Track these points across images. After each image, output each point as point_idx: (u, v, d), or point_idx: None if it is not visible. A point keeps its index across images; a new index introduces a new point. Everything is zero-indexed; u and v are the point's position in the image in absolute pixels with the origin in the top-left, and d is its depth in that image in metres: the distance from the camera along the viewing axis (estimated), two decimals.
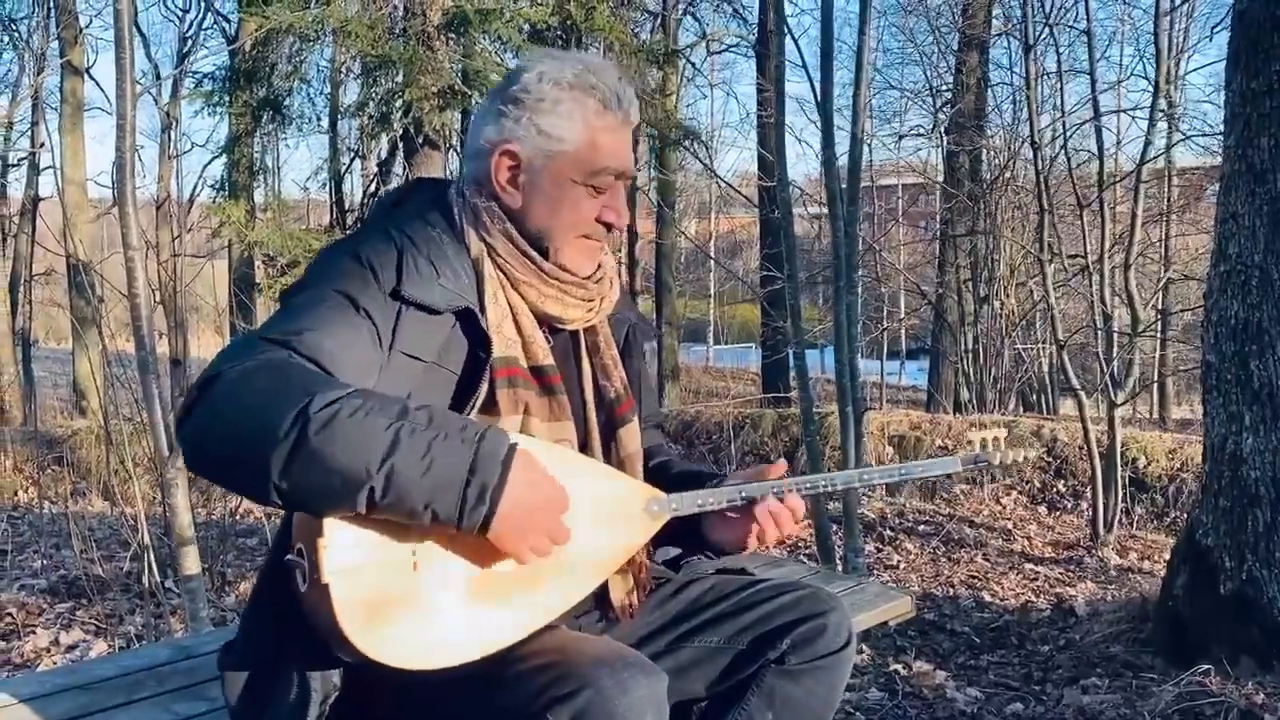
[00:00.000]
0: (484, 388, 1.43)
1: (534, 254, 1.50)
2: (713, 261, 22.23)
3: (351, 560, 1.23)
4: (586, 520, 1.41)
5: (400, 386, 1.38)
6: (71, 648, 3.89)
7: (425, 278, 1.41)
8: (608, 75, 1.52)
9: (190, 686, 1.74)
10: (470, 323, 1.45)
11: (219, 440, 1.25)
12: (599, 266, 1.58)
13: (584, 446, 1.57)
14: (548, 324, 1.55)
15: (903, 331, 19.62)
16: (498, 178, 1.51)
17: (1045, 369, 11.20)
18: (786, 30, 4.54)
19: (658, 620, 1.67)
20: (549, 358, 1.51)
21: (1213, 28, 12.16)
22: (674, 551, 1.76)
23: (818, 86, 4.43)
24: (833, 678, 1.64)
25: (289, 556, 1.28)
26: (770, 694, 1.61)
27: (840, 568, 4.56)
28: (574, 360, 1.61)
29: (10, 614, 4.23)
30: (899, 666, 3.77)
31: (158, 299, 4.95)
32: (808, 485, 1.61)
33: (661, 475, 1.69)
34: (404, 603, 1.27)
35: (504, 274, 1.50)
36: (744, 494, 1.56)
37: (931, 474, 1.75)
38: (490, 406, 1.43)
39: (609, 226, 1.54)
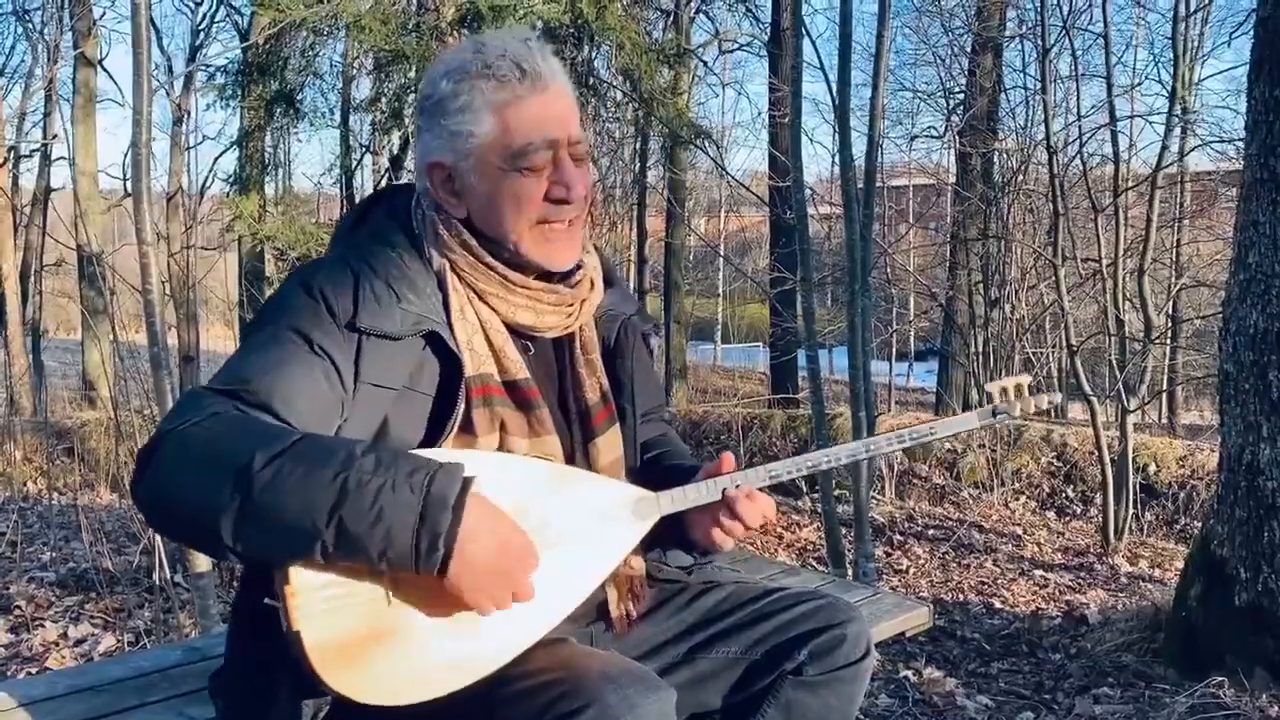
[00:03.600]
0: (460, 408, 1.38)
1: (497, 264, 1.44)
2: (721, 260, 22.21)
3: (323, 603, 1.21)
4: (576, 532, 1.39)
5: (373, 417, 1.36)
6: (80, 641, 3.88)
7: (385, 304, 1.36)
8: (505, 47, 1.42)
9: (203, 689, 1.71)
10: (438, 343, 1.40)
11: (169, 509, 1.24)
12: (578, 268, 1.52)
13: (570, 458, 1.52)
14: (524, 335, 1.50)
15: (912, 333, 19.58)
16: (438, 194, 1.45)
17: (1055, 373, 11.16)
18: (804, 31, 4.52)
19: (673, 629, 1.65)
20: (523, 371, 1.46)
21: (1231, 33, 12.06)
22: (686, 559, 1.74)
23: (834, 88, 4.41)
24: (851, 689, 1.62)
25: (267, 600, 1.24)
26: (787, 705, 1.59)
27: (850, 573, 4.54)
28: (556, 370, 1.55)
29: (19, 606, 4.22)
30: (909, 673, 3.76)
31: (168, 292, 4.94)
32: (809, 464, 1.55)
33: (654, 471, 1.64)
34: (382, 639, 1.24)
35: (469, 287, 1.44)
36: (737, 483, 1.49)
37: (946, 434, 1.64)
38: (467, 427, 1.39)
39: (560, 201, 1.43)
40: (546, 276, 1.48)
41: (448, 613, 1.28)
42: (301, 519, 1.16)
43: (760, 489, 1.52)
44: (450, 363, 1.40)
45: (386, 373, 1.36)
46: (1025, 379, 1.61)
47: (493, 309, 1.45)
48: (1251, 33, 3.73)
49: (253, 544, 1.19)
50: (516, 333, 1.48)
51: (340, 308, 1.34)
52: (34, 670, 3.57)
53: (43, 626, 4.01)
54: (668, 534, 1.56)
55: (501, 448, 1.42)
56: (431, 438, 1.38)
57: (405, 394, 1.38)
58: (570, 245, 1.47)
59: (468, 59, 1.42)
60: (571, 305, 1.51)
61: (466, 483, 1.23)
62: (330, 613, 1.21)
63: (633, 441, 1.61)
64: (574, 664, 1.33)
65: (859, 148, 6.03)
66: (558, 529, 1.37)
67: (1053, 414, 11.16)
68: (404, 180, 8.89)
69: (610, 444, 1.55)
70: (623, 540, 1.46)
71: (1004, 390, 1.60)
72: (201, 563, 3.00)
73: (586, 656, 1.38)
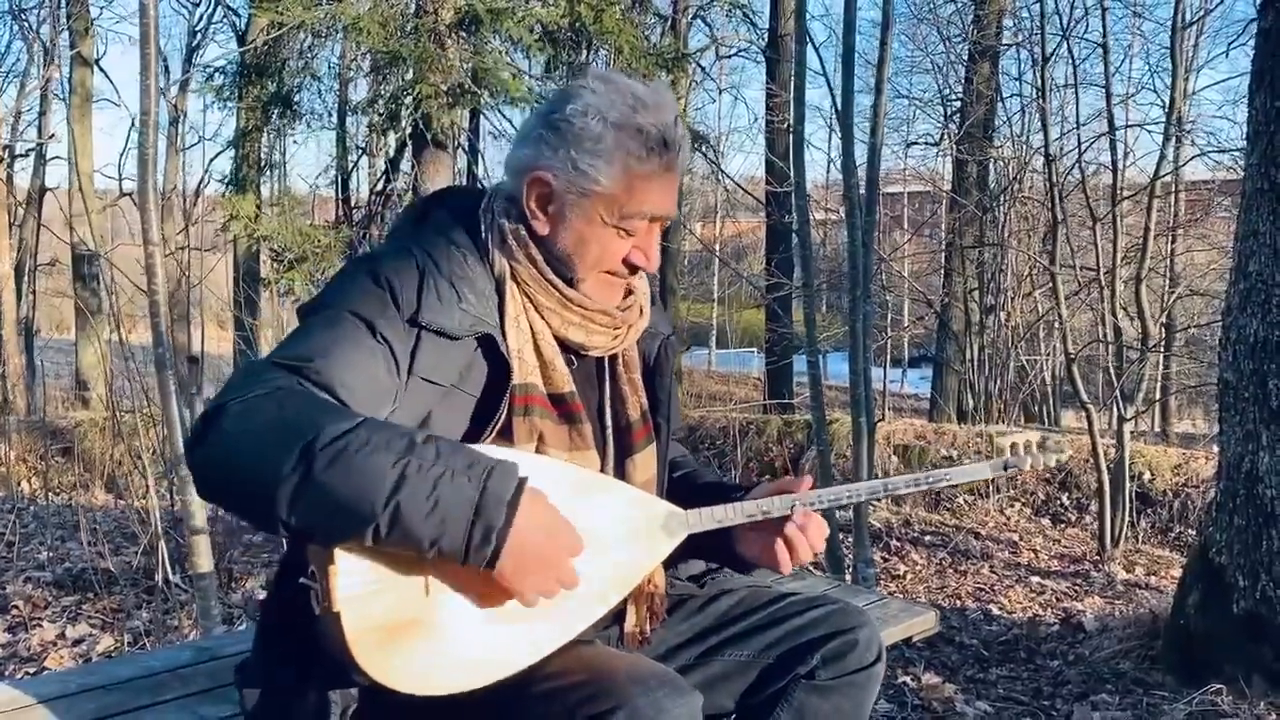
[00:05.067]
0: (503, 413, 1.40)
1: (558, 281, 1.46)
2: (716, 265, 22.23)
3: (364, 587, 1.22)
4: (605, 540, 1.39)
5: (419, 410, 1.37)
6: (78, 641, 3.87)
7: (446, 302, 1.38)
8: (660, 115, 1.44)
9: (214, 689, 1.73)
10: (490, 347, 1.42)
11: (226, 474, 1.24)
12: (628, 294, 1.55)
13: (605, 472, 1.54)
14: (571, 349, 1.51)
15: (906, 340, 19.62)
16: (528, 202, 1.46)
17: (1049, 381, 11.19)
18: (808, 38, 4.53)
19: (686, 633, 1.66)
20: (569, 384, 1.47)
21: (1229, 43, 12.16)
22: (698, 568, 1.75)
23: (838, 95, 4.43)
24: (862, 694, 1.63)
25: (303, 580, 1.26)
26: (799, 709, 1.60)
27: (849, 579, 4.54)
28: (597, 386, 1.57)
29: (17, 606, 4.21)
30: (908, 679, 3.76)
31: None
32: (830, 498, 1.57)
33: (684, 488, 1.67)
34: (417, 628, 1.25)
35: (527, 298, 1.46)
36: (764, 510, 1.52)
37: (960, 481, 1.69)
38: (505, 434, 1.41)
39: (635, 268, 1.50)
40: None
41: (484, 607, 1.29)
42: (359, 500, 1.17)
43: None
44: (499, 367, 1.42)
45: (439, 369, 1.39)
46: (1035, 436, 1.70)
47: (546, 321, 1.47)
48: (1250, 44, 3.76)
49: (307, 519, 1.19)
50: (564, 346, 1.50)
51: (404, 300, 1.36)
52: (32, 670, 3.57)
53: (40, 626, 4.00)
54: (715, 549, 1.60)
55: None
56: (472, 438, 1.40)
57: (452, 392, 1.40)
58: (620, 291, 1.53)
59: (624, 110, 1.43)
60: (620, 328, 1.54)
61: (522, 481, 1.24)
62: (370, 597, 1.22)
63: (664, 459, 1.63)
64: (602, 666, 1.33)
65: (860, 154, 6.06)
66: (590, 536, 1.37)
67: (1047, 422, 11.21)
68: (400, 184, 8.90)
69: (646, 461, 1.57)
70: (651, 554, 1.48)
71: (1014, 445, 1.68)
72: (203, 564, 3.00)
73: (614, 658, 1.38)
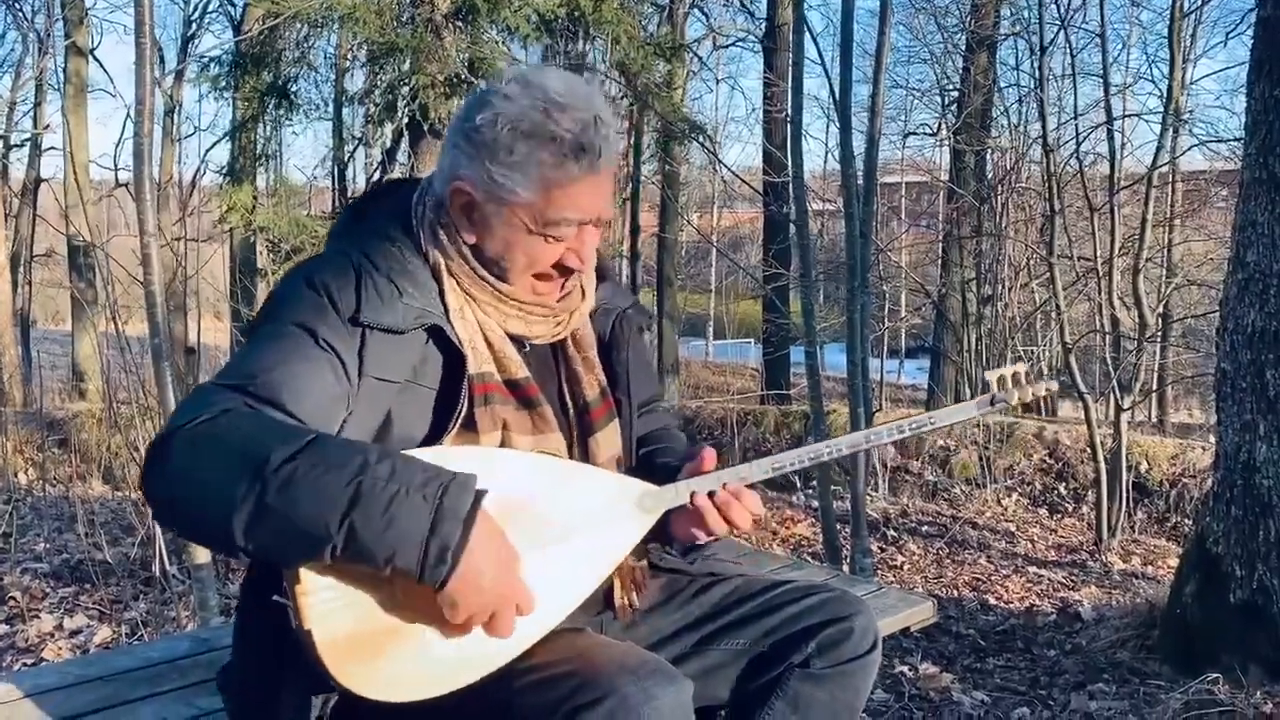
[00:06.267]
0: (464, 404, 1.38)
1: (490, 278, 1.45)
2: (714, 256, 22.20)
3: (333, 602, 1.21)
4: (577, 527, 1.39)
5: (377, 410, 1.36)
6: (75, 633, 3.87)
7: (387, 299, 1.36)
8: (576, 115, 1.38)
9: (211, 680, 1.72)
10: (440, 338, 1.40)
11: (181, 504, 1.22)
12: (561, 286, 1.51)
13: (570, 454, 1.52)
14: (516, 338, 1.50)
15: (903, 330, 19.61)
16: (452, 209, 1.44)
17: (1046, 371, 11.17)
18: (806, 28, 4.52)
19: (680, 621, 1.65)
20: (523, 370, 1.46)
21: (1227, 33, 12.13)
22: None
23: (836, 85, 4.41)
24: (858, 682, 1.62)
25: (276, 597, 1.24)
26: (794, 698, 1.59)
27: (846, 569, 4.55)
28: (553, 367, 1.56)
29: (14, 598, 4.21)
30: (905, 668, 3.77)
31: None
32: (810, 455, 1.55)
33: (645, 467, 1.63)
34: (392, 636, 1.24)
35: (465, 292, 1.45)
36: (741, 475, 1.49)
37: (945, 424, 1.64)
38: (470, 425, 1.39)
39: (568, 270, 1.46)
40: None
41: None
42: (314, 522, 1.16)
43: (758, 483, 1.52)
44: (453, 356, 1.40)
45: (390, 366, 1.37)
46: (1022, 367, 1.64)
47: (485, 314, 1.46)
48: (1249, 33, 3.75)
49: (264, 544, 1.18)
50: (509, 335, 1.49)
51: (344, 302, 1.34)
52: (30, 661, 3.57)
53: (38, 618, 4.00)
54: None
55: (504, 445, 1.42)
56: (436, 432, 1.38)
57: (409, 387, 1.38)
58: (555, 291, 1.49)
59: (535, 118, 1.37)
60: (559, 316, 1.52)
61: (479, 496, 1.22)
62: (341, 610, 1.21)
63: (629, 435, 1.62)
64: (591, 655, 1.33)
65: (858, 144, 6.04)
66: (563, 524, 1.37)
67: (1044, 411, 11.21)
68: (397, 173, 8.89)
69: (609, 439, 1.56)
70: (628, 534, 1.46)
71: (1001, 379, 1.61)
72: (201, 555, 3.00)
73: (603, 647, 1.38)
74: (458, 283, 1.44)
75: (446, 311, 1.42)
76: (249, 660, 1.43)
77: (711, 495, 1.49)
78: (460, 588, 1.21)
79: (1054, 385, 1.68)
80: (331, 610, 1.20)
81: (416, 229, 1.45)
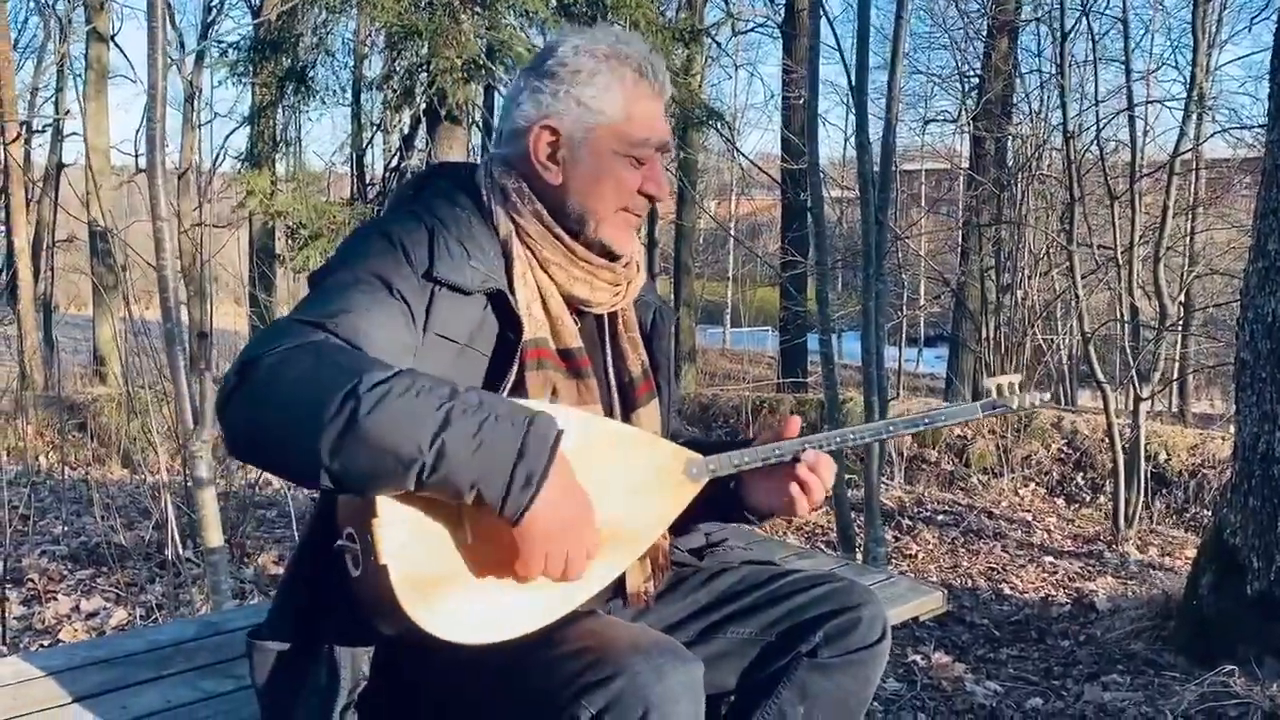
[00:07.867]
0: (514, 369, 1.42)
1: (564, 234, 1.49)
2: (732, 243, 22.14)
3: (405, 540, 1.23)
4: (625, 488, 1.41)
5: (435, 368, 1.36)
6: (92, 615, 3.90)
7: (457, 259, 1.40)
8: (640, 46, 1.52)
9: (218, 664, 1.73)
10: (501, 304, 1.44)
11: (264, 426, 1.23)
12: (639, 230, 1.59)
13: None
14: (574, 307, 1.54)
15: (922, 318, 19.52)
16: (538, 155, 1.49)
17: (1066, 360, 11.12)
18: (823, 12, 4.48)
19: (688, 609, 1.66)
20: (577, 340, 1.50)
21: (1252, 18, 11.97)
22: (698, 541, 1.74)
23: (852, 70, 4.37)
24: (866, 672, 1.63)
25: (339, 543, 1.27)
26: (802, 687, 1.59)
27: (861, 557, 4.53)
28: (599, 344, 1.60)
29: (32, 580, 4.25)
30: (917, 657, 3.76)
31: (180, 268, 4.93)
32: (836, 439, 1.61)
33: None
34: (456, 579, 1.27)
35: (532, 254, 1.49)
36: (779, 451, 1.55)
37: (953, 421, 1.76)
38: (519, 388, 1.42)
39: (651, 198, 1.53)
40: (604, 256, 1.54)
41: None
42: (406, 440, 1.17)
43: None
44: (510, 324, 1.44)
45: (453, 326, 1.41)
46: (1017, 378, 1.76)
47: (551, 278, 1.50)
48: (1273, 18, 3.69)
49: (350, 465, 1.18)
50: (567, 303, 1.53)
51: (417, 256, 1.38)
52: (47, 642, 3.60)
53: (55, 600, 4.04)
54: (728, 505, 1.62)
55: None
56: None
57: (465, 350, 1.42)
58: (634, 235, 1.57)
59: (610, 43, 1.50)
60: (619, 285, 1.57)
61: (559, 434, 1.25)
62: (412, 549, 1.23)
63: (667, 418, 1.66)
64: (604, 634, 1.34)
65: (875, 130, 6.01)
66: (618, 483, 1.40)
67: (1063, 401, 11.14)
68: (414, 161, 8.88)
69: (650, 416, 1.60)
70: (677, 499, 1.50)
71: (999, 387, 1.74)
72: (214, 538, 3.01)
73: (616, 628, 1.39)
74: (526, 244, 1.49)
75: (510, 279, 1.46)
76: (289, 613, 1.43)
77: (757, 470, 1.55)
78: (540, 521, 1.23)
79: (1045, 397, 1.83)
80: (405, 545, 1.22)
81: (486, 196, 1.50)
